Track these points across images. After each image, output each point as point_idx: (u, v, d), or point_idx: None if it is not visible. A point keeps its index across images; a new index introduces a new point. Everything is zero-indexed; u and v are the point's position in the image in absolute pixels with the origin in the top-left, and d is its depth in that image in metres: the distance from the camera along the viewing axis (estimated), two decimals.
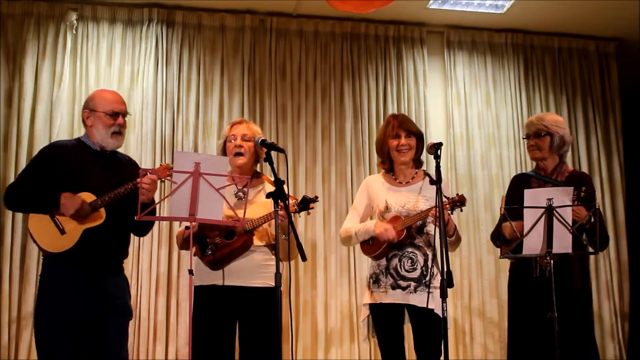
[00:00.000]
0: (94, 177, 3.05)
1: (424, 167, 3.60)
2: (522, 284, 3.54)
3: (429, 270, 3.29)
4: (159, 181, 3.06)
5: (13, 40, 4.99)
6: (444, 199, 3.20)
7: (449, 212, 3.21)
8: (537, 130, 3.62)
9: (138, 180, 2.99)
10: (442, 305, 2.89)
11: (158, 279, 4.86)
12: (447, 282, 2.85)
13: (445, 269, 2.86)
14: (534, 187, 3.53)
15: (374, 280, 3.40)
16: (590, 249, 3.41)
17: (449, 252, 3.56)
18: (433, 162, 3.10)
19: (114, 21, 5.16)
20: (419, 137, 3.50)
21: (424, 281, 3.30)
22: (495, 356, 5.20)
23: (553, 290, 3.12)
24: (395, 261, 3.35)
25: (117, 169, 3.16)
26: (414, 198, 3.42)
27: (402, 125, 3.47)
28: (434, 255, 3.36)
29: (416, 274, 3.30)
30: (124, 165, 3.23)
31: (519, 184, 3.63)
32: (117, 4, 5.15)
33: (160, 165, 3.15)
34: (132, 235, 3.29)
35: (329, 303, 5.09)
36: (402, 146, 3.44)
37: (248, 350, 3.27)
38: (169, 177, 2.97)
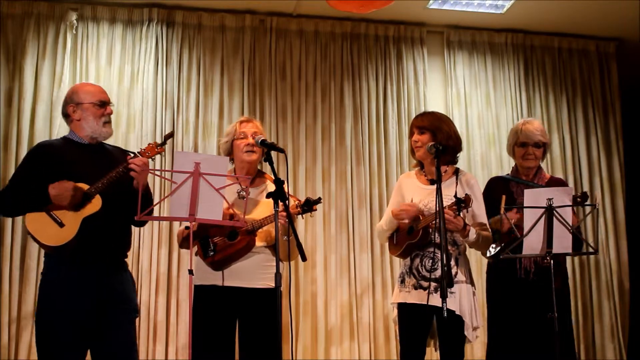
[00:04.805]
0: (85, 168, 3.03)
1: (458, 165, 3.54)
2: (504, 285, 3.57)
3: (449, 270, 3.20)
4: (150, 160, 3.06)
5: (13, 40, 4.99)
6: (452, 200, 3.18)
7: (456, 212, 3.17)
8: (538, 141, 3.66)
9: (129, 160, 2.98)
10: (443, 305, 2.89)
11: (158, 279, 4.85)
12: (447, 282, 2.84)
13: (445, 269, 2.86)
14: (513, 190, 3.63)
15: (401, 280, 3.38)
16: (590, 249, 3.43)
17: (479, 253, 3.54)
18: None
19: (114, 21, 5.16)
20: (433, 131, 3.37)
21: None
22: None
23: (553, 290, 3.12)
24: (417, 261, 3.32)
25: (107, 158, 3.14)
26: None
27: (414, 122, 3.48)
28: (459, 255, 3.34)
29: (437, 274, 3.21)
30: (113, 154, 3.22)
31: (498, 186, 3.69)
32: (117, 4, 5.15)
33: (148, 144, 3.15)
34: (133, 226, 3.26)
35: (328, 303, 5.09)
36: (414, 142, 3.44)
37: (248, 350, 3.27)
38: (158, 154, 3.05)
